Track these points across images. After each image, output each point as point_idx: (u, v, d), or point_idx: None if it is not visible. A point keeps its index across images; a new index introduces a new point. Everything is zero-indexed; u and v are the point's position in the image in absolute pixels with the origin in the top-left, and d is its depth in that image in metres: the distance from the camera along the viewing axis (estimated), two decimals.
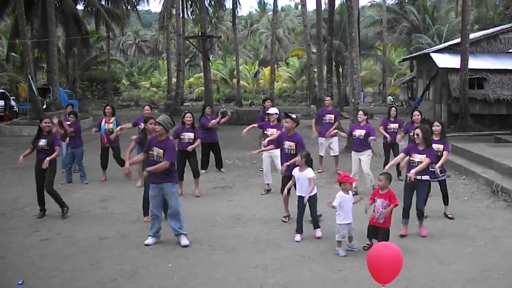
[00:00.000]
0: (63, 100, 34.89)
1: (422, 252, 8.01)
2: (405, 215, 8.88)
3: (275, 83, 49.61)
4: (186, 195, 11.77)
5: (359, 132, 11.84)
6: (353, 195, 8.31)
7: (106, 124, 13.82)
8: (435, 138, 9.80)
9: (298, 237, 8.68)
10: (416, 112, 12.28)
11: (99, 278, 6.99)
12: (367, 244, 8.18)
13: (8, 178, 14.33)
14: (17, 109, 33.78)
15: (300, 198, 8.70)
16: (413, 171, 8.60)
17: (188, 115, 12.25)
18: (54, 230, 9.25)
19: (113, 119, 13.88)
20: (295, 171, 8.83)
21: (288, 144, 9.71)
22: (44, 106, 31.57)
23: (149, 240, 8.46)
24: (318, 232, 8.81)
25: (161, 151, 8.31)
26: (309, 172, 8.65)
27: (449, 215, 10.05)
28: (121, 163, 13.83)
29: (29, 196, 11.93)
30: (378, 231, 8.04)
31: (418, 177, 8.68)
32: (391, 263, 5.75)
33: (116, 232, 9.14)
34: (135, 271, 7.24)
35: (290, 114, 10.04)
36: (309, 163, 8.69)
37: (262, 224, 9.59)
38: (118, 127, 13.53)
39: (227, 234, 8.97)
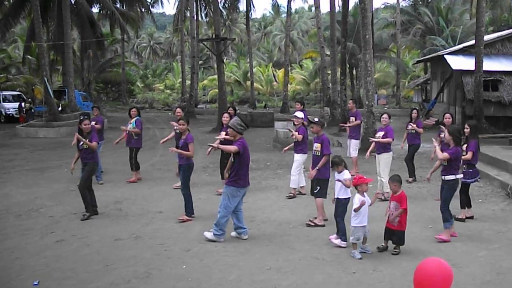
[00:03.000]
0: (78, 102, 35.15)
1: (435, 255, 7.94)
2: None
3: (289, 85, 49.58)
4: (202, 197, 11.79)
5: (379, 134, 11.88)
6: (382, 199, 8.26)
7: (128, 124, 14.09)
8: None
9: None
10: (447, 115, 12.27)
11: (113, 279, 7.04)
12: (381, 245, 8.18)
13: (24, 179, 14.47)
14: (24, 110, 34.00)
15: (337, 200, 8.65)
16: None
17: (226, 114, 12.58)
18: (69, 231, 9.33)
19: (133, 120, 14.02)
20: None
21: (315, 146, 9.78)
22: (60, 108, 31.85)
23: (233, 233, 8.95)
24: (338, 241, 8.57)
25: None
26: (345, 174, 8.60)
27: (470, 216, 10.07)
28: (135, 165, 14.00)
29: (44, 197, 12.10)
30: (393, 233, 8.05)
31: (442, 177, 8.72)
32: (440, 284, 5.44)
33: (130, 233, 9.20)
34: (149, 273, 7.28)
35: (313, 119, 10.17)
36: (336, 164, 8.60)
37: (275, 227, 9.60)
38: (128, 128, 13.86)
39: (241, 236, 8.99)
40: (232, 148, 8.51)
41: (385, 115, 12.15)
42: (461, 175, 9.09)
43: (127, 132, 13.92)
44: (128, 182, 13.86)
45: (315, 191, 9.57)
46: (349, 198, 8.49)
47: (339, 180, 8.41)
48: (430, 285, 5.39)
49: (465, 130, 9.92)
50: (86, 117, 10.99)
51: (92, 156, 10.50)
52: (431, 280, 5.36)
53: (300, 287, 6.77)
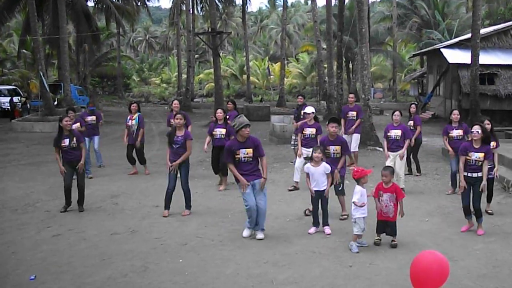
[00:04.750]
0: (74, 97, 35.04)
1: (432, 248, 7.97)
2: (467, 212, 8.86)
3: (285, 79, 49.57)
4: (198, 191, 11.79)
5: (395, 133, 11.73)
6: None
7: (130, 121, 14.03)
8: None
9: (313, 229, 8.81)
10: (455, 111, 12.14)
11: (110, 274, 7.04)
12: (377, 239, 8.21)
13: (20, 174, 14.44)
14: (20, 105, 33.85)
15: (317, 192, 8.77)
16: (484, 179, 8.63)
17: (219, 110, 12.68)
18: (66, 226, 9.32)
19: (136, 115, 14.04)
20: (307, 167, 8.86)
21: (333, 149, 9.55)
22: (55, 103, 31.76)
23: (247, 232, 8.68)
24: (327, 230, 8.82)
25: (250, 150, 8.43)
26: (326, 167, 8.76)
27: (488, 211, 10.06)
28: (142, 160, 14.23)
29: (40, 192, 12.07)
30: (386, 226, 8.07)
31: (474, 175, 8.68)
32: (436, 276, 5.45)
33: (126, 227, 9.19)
34: (146, 267, 7.28)
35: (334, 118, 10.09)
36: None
37: (272, 220, 9.59)
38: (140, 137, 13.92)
39: (238, 230, 8.99)
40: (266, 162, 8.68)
41: (397, 113, 11.98)
42: None
43: (132, 129, 14.00)
44: (129, 174, 14.07)
45: (340, 189, 9.58)
46: None
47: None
48: (427, 277, 5.41)
49: (487, 126, 9.82)
50: (71, 112, 10.88)
51: (79, 154, 10.39)
52: (427, 272, 5.38)
53: (297, 281, 6.78)
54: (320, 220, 8.86)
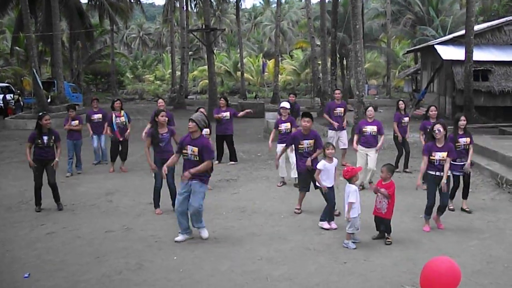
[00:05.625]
0: (68, 94, 34.94)
1: (427, 245, 8.03)
2: (428, 211, 8.86)
3: (279, 75, 49.54)
4: None
5: (371, 129, 11.75)
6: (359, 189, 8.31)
7: (117, 118, 14.10)
8: (460, 132, 9.79)
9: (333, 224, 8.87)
10: (432, 108, 12.18)
11: (105, 271, 7.02)
12: (378, 235, 8.26)
13: (14, 172, 14.38)
14: (13, 102, 33.69)
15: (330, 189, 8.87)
16: (444, 180, 8.60)
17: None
18: (60, 224, 9.29)
19: (123, 112, 14.27)
20: (323, 164, 8.85)
21: (307, 143, 9.62)
22: (49, 100, 31.63)
23: (180, 237, 8.31)
24: (333, 224, 8.88)
25: (196, 149, 8.05)
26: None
27: (466, 209, 10.01)
28: (126, 157, 14.25)
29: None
30: (381, 221, 8.09)
31: (441, 173, 8.69)
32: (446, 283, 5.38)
33: (121, 225, 9.17)
34: (140, 264, 7.27)
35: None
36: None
37: (266, 217, 9.61)
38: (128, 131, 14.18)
39: (232, 227, 8.99)
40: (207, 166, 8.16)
41: (370, 108, 12.04)
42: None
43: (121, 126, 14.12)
44: (109, 172, 14.11)
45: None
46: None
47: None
48: (439, 283, 5.33)
49: (462, 122, 9.85)
50: (45, 113, 10.86)
51: (53, 153, 10.36)
52: (440, 279, 5.32)
53: (291, 277, 6.78)
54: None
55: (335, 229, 8.72)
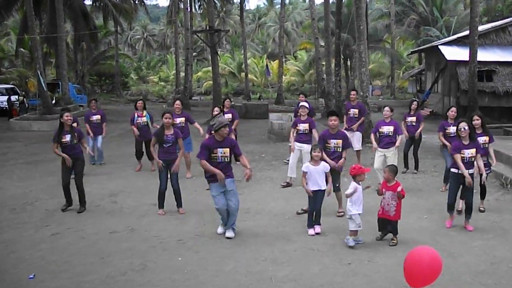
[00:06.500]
0: (72, 95, 35.00)
1: (431, 245, 8.00)
2: (451, 208, 9.02)
3: (283, 76, 49.54)
4: (197, 190, 11.80)
5: (388, 129, 11.63)
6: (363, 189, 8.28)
7: (138, 118, 14.10)
8: (478, 131, 9.76)
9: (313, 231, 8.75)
10: (453, 108, 12.16)
11: (109, 272, 7.04)
12: (380, 235, 8.26)
13: (18, 173, 14.42)
14: (18, 103, 33.75)
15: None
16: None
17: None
18: (65, 224, 9.31)
19: (145, 112, 14.21)
20: (306, 166, 8.81)
21: (334, 142, 9.60)
22: (53, 101, 31.70)
23: (221, 229, 8.69)
24: (317, 228, 8.74)
25: (227, 149, 8.31)
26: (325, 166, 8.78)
27: (481, 208, 10.04)
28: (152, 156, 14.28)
29: (39, 190, 12.06)
30: (387, 224, 8.08)
31: (471, 171, 8.72)
32: (429, 270, 5.48)
33: (125, 226, 9.19)
34: (145, 265, 7.28)
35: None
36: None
37: (271, 218, 9.61)
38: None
39: (236, 228, 9.00)
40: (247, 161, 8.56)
41: (386, 108, 11.95)
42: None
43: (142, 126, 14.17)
44: (136, 171, 14.25)
45: (337, 185, 9.60)
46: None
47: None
48: (420, 272, 5.43)
49: (476, 121, 9.83)
50: (67, 109, 10.87)
51: (80, 151, 10.38)
52: (420, 267, 5.40)
53: (296, 278, 6.79)
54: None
55: (318, 233, 8.62)
